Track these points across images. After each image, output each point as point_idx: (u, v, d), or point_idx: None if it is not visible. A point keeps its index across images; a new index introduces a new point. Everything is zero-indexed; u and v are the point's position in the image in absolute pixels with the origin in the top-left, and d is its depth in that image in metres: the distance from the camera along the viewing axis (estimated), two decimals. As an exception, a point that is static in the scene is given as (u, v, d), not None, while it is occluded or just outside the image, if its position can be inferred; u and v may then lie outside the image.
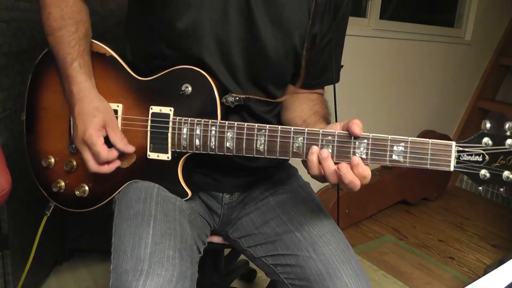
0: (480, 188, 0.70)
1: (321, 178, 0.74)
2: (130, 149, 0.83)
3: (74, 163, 0.89)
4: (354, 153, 0.72)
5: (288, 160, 1.08)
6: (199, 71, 0.82)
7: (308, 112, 0.93)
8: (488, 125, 0.68)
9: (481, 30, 2.89)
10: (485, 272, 1.97)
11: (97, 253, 1.74)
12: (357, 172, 0.70)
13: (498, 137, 0.67)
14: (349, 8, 0.93)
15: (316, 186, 2.28)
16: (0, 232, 1.21)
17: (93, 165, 0.81)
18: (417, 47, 2.57)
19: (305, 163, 0.75)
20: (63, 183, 0.91)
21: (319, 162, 0.72)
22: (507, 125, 0.67)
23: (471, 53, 2.92)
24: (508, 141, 0.67)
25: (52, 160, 0.91)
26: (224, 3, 0.81)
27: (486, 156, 0.68)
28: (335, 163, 0.72)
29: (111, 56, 0.88)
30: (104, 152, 0.80)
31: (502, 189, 0.69)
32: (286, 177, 1.02)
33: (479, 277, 0.69)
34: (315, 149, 0.72)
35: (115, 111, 0.86)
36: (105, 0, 1.26)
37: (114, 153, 0.82)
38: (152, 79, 0.85)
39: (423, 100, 2.73)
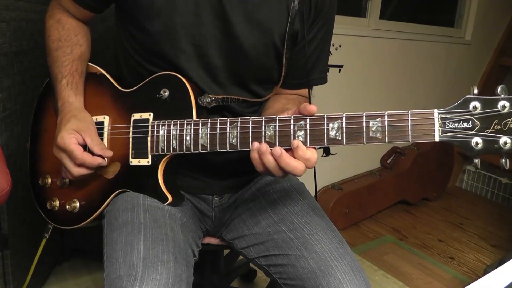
0: (476, 161, 0.62)
1: (270, 174, 0.72)
2: (108, 153, 0.84)
3: (67, 179, 0.91)
4: (328, 135, 0.69)
5: None
6: (175, 75, 0.84)
7: (278, 109, 0.92)
8: (475, 90, 0.61)
9: (481, 30, 2.89)
10: (485, 272, 1.97)
11: (96, 253, 1.74)
12: (297, 155, 0.68)
13: (489, 100, 0.60)
14: (334, 8, 0.92)
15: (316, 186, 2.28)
16: (0, 232, 1.21)
17: (72, 168, 0.82)
18: (417, 47, 2.57)
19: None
20: (57, 202, 0.93)
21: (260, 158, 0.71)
22: (499, 89, 0.60)
23: (471, 53, 2.92)
24: (501, 103, 0.59)
25: (49, 180, 0.95)
26: (196, 5, 0.81)
27: (477, 122, 0.61)
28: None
29: (101, 74, 0.93)
30: (79, 151, 0.81)
31: (503, 160, 0.61)
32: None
33: (479, 277, 0.69)
34: (255, 145, 0.71)
35: (102, 123, 0.89)
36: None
37: (90, 156, 0.82)
38: (135, 89, 0.89)
39: (423, 100, 2.74)
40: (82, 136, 0.83)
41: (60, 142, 0.81)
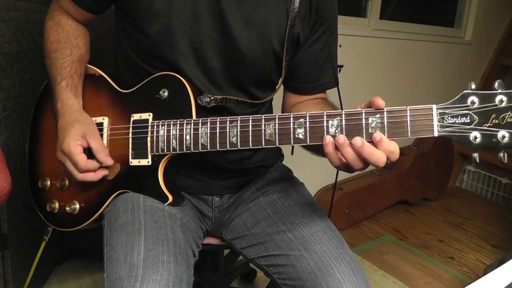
0: (474, 155, 0.63)
1: (347, 168, 0.69)
2: (109, 161, 0.84)
3: (66, 181, 0.92)
4: (328, 132, 0.68)
5: (280, 160, 1.08)
6: (174, 75, 0.84)
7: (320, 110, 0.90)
8: (473, 86, 0.62)
9: (481, 30, 2.89)
10: (485, 272, 1.97)
11: (96, 253, 1.74)
12: (382, 148, 0.65)
13: (486, 95, 0.61)
14: (335, 10, 0.92)
15: (316, 186, 2.28)
16: (0, 232, 1.21)
17: (77, 174, 0.82)
18: (417, 47, 2.57)
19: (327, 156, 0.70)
20: (57, 204, 0.93)
21: (337, 150, 0.67)
22: (496, 84, 0.61)
23: (471, 53, 2.92)
24: (499, 97, 0.60)
25: (48, 182, 0.95)
26: (194, 8, 0.81)
27: (475, 116, 0.61)
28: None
29: (100, 75, 0.93)
30: (83, 161, 0.81)
31: (501, 154, 0.61)
32: (278, 176, 1.02)
33: (479, 277, 0.69)
34: (328, 139, 0.67)
35: (101, 124, 0.89)
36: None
37: (93, 164, 0.83)
38: (133, 90, 0.89)
39: (423, 100, 2.73)
40: (87, 140, 0.83)
41: (65, 149, 0.81)
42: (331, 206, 2.08)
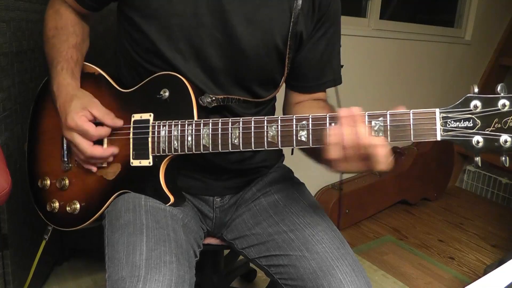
0: (476, 159, 0.63)
1: (346, 162, 0.67)
2: (119, 122, 0.84)
3: (67, 181, 0.91)
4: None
5: (280, 160, 1.08)
6: (175, 75, 0.83)
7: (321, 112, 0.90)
8: (476, 89, 0.62)
9: (481, 30, 2.89)
10: (485, 272, 1.97)
11: (97, 253, 1.74)
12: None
13: (489, 99, 0.61)
14: (338, 7, 0.92)
15: (316, 186, 2.28)
16: (0, 232, 1.21)
17: (87, 148, 0.81)
18: (417, 47, 2.57)
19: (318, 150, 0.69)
20: (57, 204, 0.92)
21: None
22: (499, 88, 0.61)
23: (471, 53, 2.92)
24: (501, 102, 0.60)
25: (48, 181, 0.94)
26: (195, 7, 0.81)
27: (477, 120, 0.62)
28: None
29: (99, 74, 0.93)
30: (92, 127, 0.81)
31: (503, 158, 0.62)
32: (278, 177, 1.02)
33: (479, 277, 0.69)
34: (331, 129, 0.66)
35: (102, 124, 0.88)
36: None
37: (104, 129, 0.83)
38: (134, 89, 0.88)
39: (423, 100, 2.74)
40: (89, 110, 0.82)
41: (71, 124, 0.80)
42: (339, 213, 2.08)
